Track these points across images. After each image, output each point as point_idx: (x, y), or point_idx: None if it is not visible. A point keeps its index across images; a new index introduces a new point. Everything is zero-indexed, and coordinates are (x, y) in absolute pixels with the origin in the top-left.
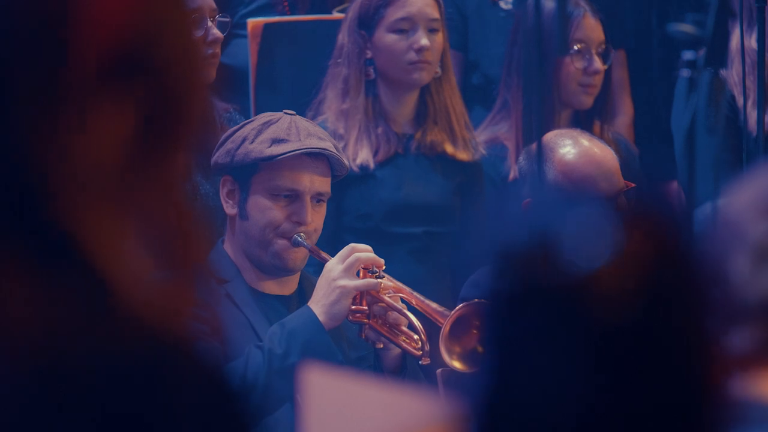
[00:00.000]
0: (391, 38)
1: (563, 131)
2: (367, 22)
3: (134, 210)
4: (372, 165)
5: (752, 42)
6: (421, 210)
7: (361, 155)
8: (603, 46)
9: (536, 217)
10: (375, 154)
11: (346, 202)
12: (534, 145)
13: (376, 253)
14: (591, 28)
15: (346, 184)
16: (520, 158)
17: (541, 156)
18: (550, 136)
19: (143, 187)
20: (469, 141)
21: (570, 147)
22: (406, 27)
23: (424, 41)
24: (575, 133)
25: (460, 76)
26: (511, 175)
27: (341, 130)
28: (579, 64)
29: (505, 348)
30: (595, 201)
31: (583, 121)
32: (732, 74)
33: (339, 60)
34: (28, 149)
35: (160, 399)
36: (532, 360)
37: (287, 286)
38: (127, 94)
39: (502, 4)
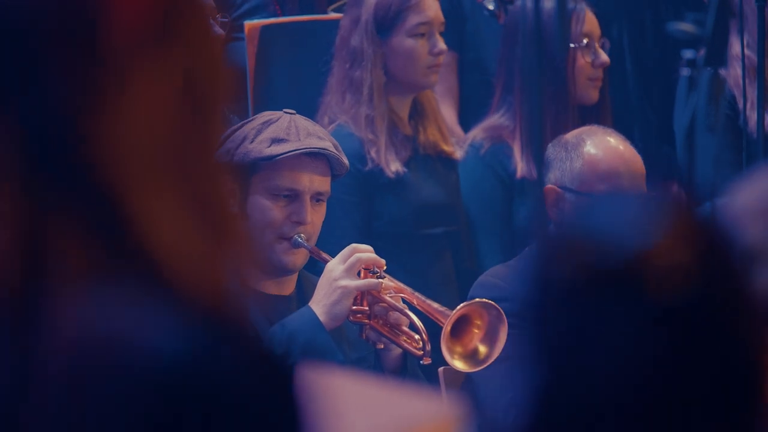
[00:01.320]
0: (411, 43)
1: (593, 127)
2: (384, 26)
3: (186, 187)
4: (404, 169)
5: (747, 49)
6: (438, 210)
7: (392, 160)
8: (602, 40)
9: (583, 207)
10: (398, 157)
11: (377, 209)
12: (564, 136)
13: (408, 257)
14: (593, 22)
15: (377, 190)
16: (549, 146)
17: (540, 156)
18: (580, 130)
19: (193, 162)
20: (452, 139)
21: (599, 140)
22: (424, 31)
23: (443, 45)
24: (607, 130)
25: (458, 77)
26: (519, 173)
27: (370, 136)
28: (588, 58)
29: (555, 332)
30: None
31: (584, 119)
32: (732, 75)
33: (363, 64)
34: (77, 123)
35: (224, 381)
36: (582, 346)
37: (287, 286)
38: (165, 65)
39: (487, 4)
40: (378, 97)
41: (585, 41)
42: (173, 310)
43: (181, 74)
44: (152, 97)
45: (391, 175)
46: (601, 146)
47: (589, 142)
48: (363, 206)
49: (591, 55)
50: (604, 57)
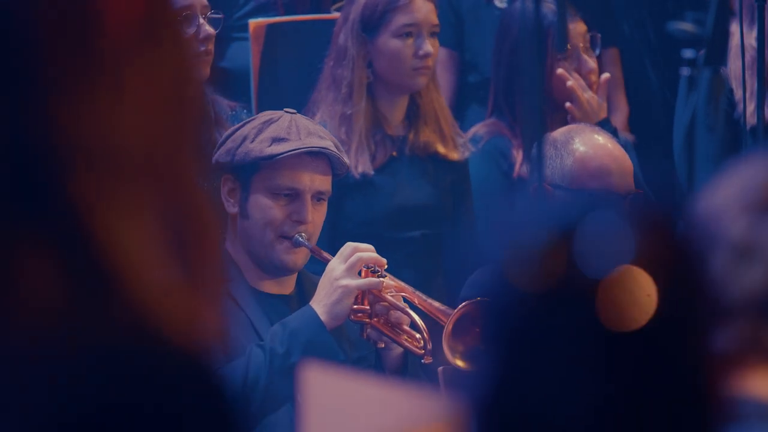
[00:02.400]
0: (396, 43)
1: (580, 125)
2: (370, 26)
3: (154, 200)
4: (371, 171)
5: (752, 40)
6: (418, 212)
7: (362, 162)
8: (588, 38)
9: (552, 218)
10: (373, 159)
11: (347, 209)
12: (550, 134)
13: None
14: (574, 28)
15: (347, 191)
16: (535, 144)
17: (541, 157)
18: (567, 128)
19: (162, 177)
20: (458, 140)
21: (587, 138)
22: (411, 32)
23: (429, 48)
24: (594, 128)
25: (456, 75)
26: (516, 172)
27: (343, 136)
28: (570, 69)
29: (508, 346)
30: (611, 204)
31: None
32: (730, 69)
33: (344, 62)
34: (50, 132)
35: (159, 400)
36: (535, 359)
37: (287, 285)
38: (141, 80)
39: (498, 3)
40: (358, 95)
41: (565, 50)
42: (133, 328)
43: (159, 82)
44: (132, 103)
45: (357, 176)
46: (590, 144)
47: (577, 140)
48: (331, 207)
49: (574, 62)
50: (589, 63)
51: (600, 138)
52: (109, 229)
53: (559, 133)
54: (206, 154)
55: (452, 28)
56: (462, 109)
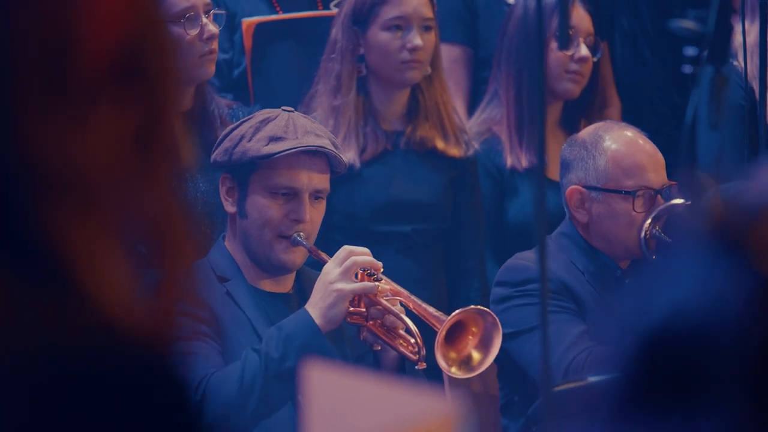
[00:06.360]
0: (385, 36)
1: (606, 123)
2: (361, 19)
3: (120, 211)
4: (358, 164)
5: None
6: (409, 207)
7: (348, 154)
8: (592, 38)
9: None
10: (362, 152)
11: (334, 201)
12: (577, 135)
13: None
14: (580, 17)
15: (335, 183)
16: (565, 146)
17: (542, 148)
18: (594, 126)
19: (132, 187)
20: (461, 137)
21: (617, 135)
22: (400, 25)
23: (418, 41)
24: (621, 123)
25: (470, 72)
26: (509, 163)
27: (330, 127)
28: (568, 51)
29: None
30: None
31: (572, 115)
32: (743, 67)
33: (333, 55)
34: (22, 148)
35: (124, 408)
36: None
37: (285, 284)
38: (123, 97)
39: None
40: (346, 87)
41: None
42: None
43: (139, 113)
44: (108, 125)
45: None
46: (621, 141)
47: (608, 138)
48: None
49: (571, 48)
50: (583, 52)
51: (629, 134)
52: (76, 246)
53: (586, 134)
54: (205, 155)
55: (466, 25)
56: (478, 105)
